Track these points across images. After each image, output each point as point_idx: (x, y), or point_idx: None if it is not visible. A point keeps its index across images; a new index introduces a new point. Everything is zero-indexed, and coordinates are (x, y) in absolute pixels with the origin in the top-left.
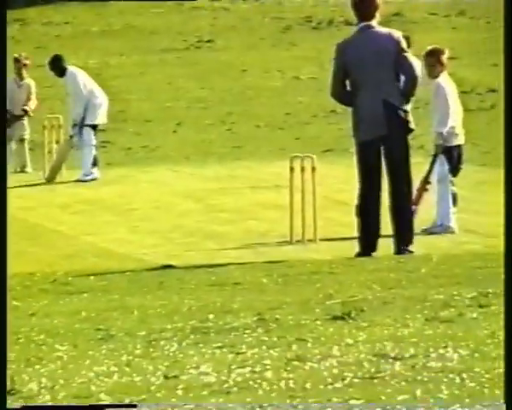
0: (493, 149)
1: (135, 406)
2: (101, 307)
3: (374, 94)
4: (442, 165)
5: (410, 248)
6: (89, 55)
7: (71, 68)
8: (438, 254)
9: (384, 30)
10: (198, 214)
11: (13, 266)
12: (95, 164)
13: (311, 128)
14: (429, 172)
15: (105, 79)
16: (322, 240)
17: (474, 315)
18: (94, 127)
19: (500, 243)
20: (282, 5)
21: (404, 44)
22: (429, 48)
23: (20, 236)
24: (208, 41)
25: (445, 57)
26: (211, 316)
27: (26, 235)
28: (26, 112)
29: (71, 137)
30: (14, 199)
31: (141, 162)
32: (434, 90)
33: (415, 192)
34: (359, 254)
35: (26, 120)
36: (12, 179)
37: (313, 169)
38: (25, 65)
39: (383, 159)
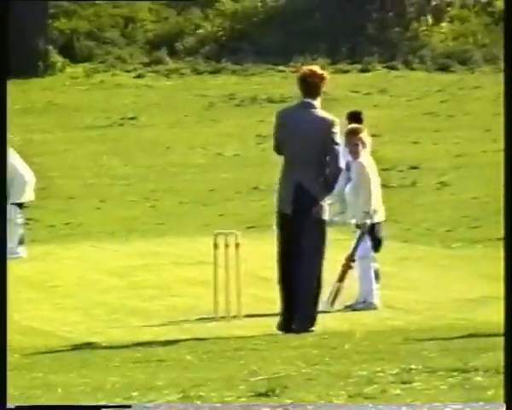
0: (414, 225)
1: (129, 406)
2: (24, 384)
3: (293, 171)
4: (364, 242)
5: (313, 328)
6: (12, 132)
7: None
8: (361, 330)
9: (321, 113)
10: (122, 291)
11: None
12: (21, 242)
13: (235, 204)
14: (355, 249)
15: (28, 156)
16: (246, 316)
17: (398, 391)
18: (20, 205)
19: (421, 320)
20: (206, 82)
21: (336, 134)
22: (349, 127)
23: None
24: (132, 118)
25: (364, 135)
26: (135, 393)
27: None
28: None
29: None
30: None
31: (64, 239)
32: (357, 170)
33: (339, 269)
34: (279, 327)
35: None
36: None
37: (237, 245)
38: None
39: (294, 235)
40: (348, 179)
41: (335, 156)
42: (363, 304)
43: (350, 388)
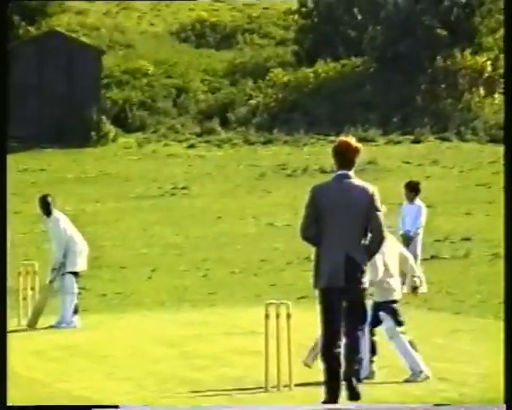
0: (467, 297)
1: (117, 406)
2: None
3: (338, 244)
4: (387, 321)
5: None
6: (65, 201)
7: (55, 212)
8: (413, 402)
9: (359, 182)
10: (173, 360)
11: None
12: (75, 312)
13: (286, 274)
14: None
15: (81, 226)
16: (297, 386)
17: None
18: (75, 274)
19: (474, 392)
20: (257, 153)
21: (377, 201)
22: None
23: None
24: (183, 188)
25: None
26: None
27: None
28: None
29: (50, 282)
30: None
31: (116, 308)
32: None
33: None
34: (325, 402)
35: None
36: None
37: (288, 316)
38: None
39: (341, 308)
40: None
41: (379, 225)
42: (413, 376)
43: None
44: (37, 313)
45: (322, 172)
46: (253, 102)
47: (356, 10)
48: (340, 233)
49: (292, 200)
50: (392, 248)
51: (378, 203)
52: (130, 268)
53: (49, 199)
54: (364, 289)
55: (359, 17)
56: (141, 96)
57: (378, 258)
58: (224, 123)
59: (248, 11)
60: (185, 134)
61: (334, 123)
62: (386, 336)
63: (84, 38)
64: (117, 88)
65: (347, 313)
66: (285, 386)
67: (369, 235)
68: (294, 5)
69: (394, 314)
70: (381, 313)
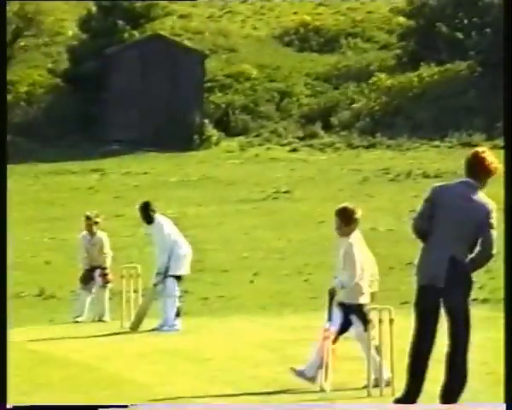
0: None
1: (126, 406)
2: None
3: (444, 246)
4: (357, 325)
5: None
6: (167, 205)
7: (158, 217)
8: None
9: (482, 195)
10: (274, 365)
11: None
12: (178, 315)
13: (389, 280)
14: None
15: (183, 229)
16: (399, 392)
17: None
18: (178, 277)
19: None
20: (360, 157)
21: (494, 219)
22: (340, 207)
23: (97, 386)
24: (286, 192)
25: (356, 217)
26: None
27: (102, 385)
28: (103, 273)
29: (154, 285)
30: (91, 349)
31: (217, 312)
32: (345, 248)
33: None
34: (399, 401)
35: (108, 268)
36: (90, 328)
37: (391, 321)
38: (96, 222)
39: (439, 309)
40: None
41: (490, 242)
42: (375, 381)
43: None
44: (140, 316)
45: (426, 176)
46: (356, 106)
47: (461, 14)
48: (449, 236)
49: (395, 205)
50: (364, 251)
51: (494, 222)
52: (232, 272)
53: (150, 207)
54: (469, 296)
55: (465, 21)
56: (244, 100)
57: (357, 260)
58: (327, 127)
59: (352, 15)
60: (288, 138)
61: (437, 127)
62: (355, 339)
63: (187, 42)
64: (220, 92)
65: (447, 320)
66: (387, 385)
67: (478, 249)
68: (400, 6)
69: (364, 318)
70: (352, 317)
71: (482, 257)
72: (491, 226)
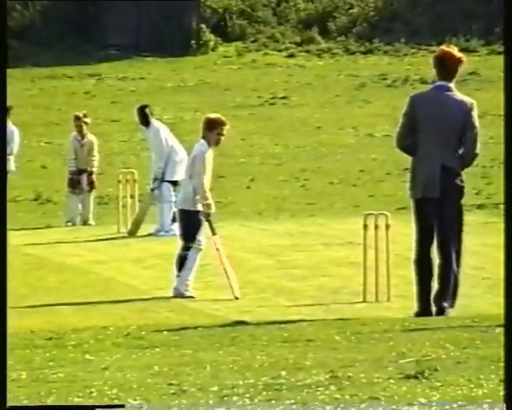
0: None
1: (123, 406)
2: (173, 361)
3: (433, 155)
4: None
5: (450, 308)
6: (163, 110)
7: (154, 122)
8: None
9: (458, 96)
10: (270, 270)
11: (86, 320)
12: (174, 220)
13: (385, 185)
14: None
15: (179, 135)
16: (395, 297)
17: None
18: (174, 183)
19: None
20: (357, 63)
21: (475, 116)
22: (208, 116)
23: (93, 289)
24: (283, 98)
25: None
26: (283, 373)
27: (98, 288)
28: (89, 179)
29: (151, 190)
30: (86, 252)
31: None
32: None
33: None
34: (417, 314)
35: (94, 173)
36: (86, 233)
37: (387, 227)
38: (85, 123)
39: (436, 219)
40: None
41: (474, 140)
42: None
43: (501, 372)
44: (137, 222)
45: (423, 82)
46: (353, 11)
47: None
48: (435, 144)
49: (391, 110)
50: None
51: (475, 118)
52: (229, 177)
53: (148, 110)
54: (460, 204)
55: None
56: (241, 5)
57: (209, 169)
58: (324, 32)
59: None
60: (285, 43)
61: (435, 33)
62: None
63: None
64: None
65: (441, 225)
66: (383, 298)
67: (462, 149)
68: None
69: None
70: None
71: (467, 156)
72: (472, 125)
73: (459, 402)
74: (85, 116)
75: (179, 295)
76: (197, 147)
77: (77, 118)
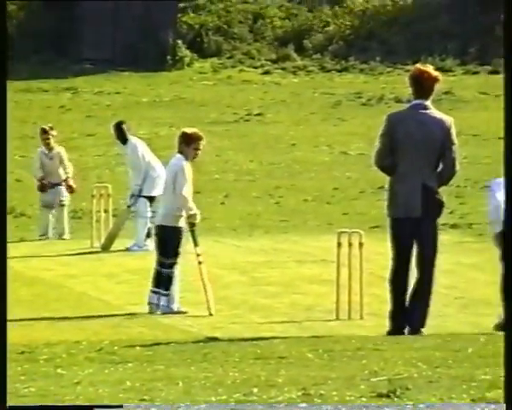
0: None
1: (121, 406)
2: (146, 377)
3: (413, 175)
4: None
5: (423, 330)
6: (139, 125)
7: (132, 139)
8: (485, 334)
9: (436, 114)
10: (243, 287)
11: (58, 334)
12: (148, 236)
13: (359, 204)
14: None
15: (155, 150)
16: (368, 316)
17: None
18: (150, 199)
19: None
20: (333, 81)
21: (453, 134)
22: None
23: (66, 303)
24: (258, 114)
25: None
26: (255, 390)
27: (71, 303)
28: (67, 184)
29: (128, 207)
30: (59, 267)
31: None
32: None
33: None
34: (390, 333)
35: (63, 187)
36: (59, 247)
37: (361, 245)
38: (52, 136)
39: (414, 239)
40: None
41: (454, 158)
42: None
43: (472, 391)
44: (111, 237)
45: (398, 101)
46: (329, 29)
47: None
48: (415, 164)
49: (366, 129)
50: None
51: (454, 136)
52: (204, 193)
53: (124, 126)
54: (437, 222)
55: None
56: (217, 21)
57: (189, 181)
58: (300, 50)
59: None
60: (261, 60)
61: (410, 52)
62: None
63: None
64: (193, 12)
65: (421, 244)
66: (355, 316)
67: (441, 167)
68: None
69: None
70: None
71: (446, 174)
72: (451, 143)
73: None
74: (52, 129)
75: (173, 312)
76: (175, 162)
77: (44, 131)
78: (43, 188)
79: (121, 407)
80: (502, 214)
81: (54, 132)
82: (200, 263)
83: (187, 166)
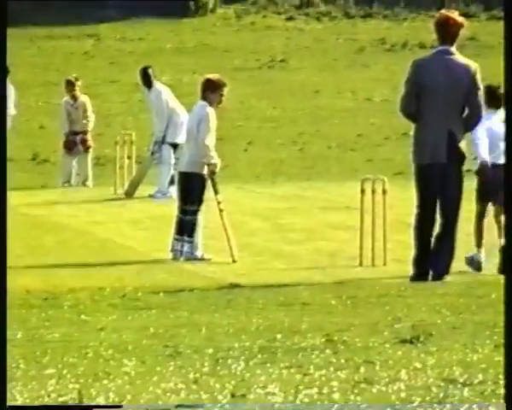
0: None
1: (120, 406)
2: (169, 323)
3: (439, 121)
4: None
5: (447, 276)
6: (162, 71)
7: (157, 85)
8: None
9: (462, 59)
10: (267, 234)
11: (82, 280)
12: (172, 183)
13: (383, 150)
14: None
15: (178, 96)
16: (391, 261)
17: None
18: (174, 146)
19: None
20: (356, 27)
21: (479, 80)
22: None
23: (90, 250)
24: (281, 61)
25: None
26: (279, 336)
27: (95, 249)
28: (83, 138)
29: (152, 153)
30: (82, 213)
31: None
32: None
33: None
34: (413, 278)
35: (89, 134)
36: (79, 194)
37: (384, 192)
38: (78, 86)
39: (439, 185)
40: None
41: (479, 103)
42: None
43: (496, 337)
44: (135, 183)
45: (422, 47)
46: None
47: None
48: (441, 110)
49: (390, 75)
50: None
51: (479, 82)
52: (227, 140)
53: (151, 71)
54: (462, 169)
55: None
56: None
57: (213, 129)
58: None
59: None
60: (284, 6)
61: None
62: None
63: None
64: None
65: (445, 191)
66: (379, 262)
67: (467, 112)
68: None
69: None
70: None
71: (471, 120)
72: (477, 88)
73: (457, 403)
74: (77, 79)
75: (197, 259)
76: (200, 108)
77: (69, 83)
78: (69, 145)
79: (121, 406)
80: (479, 146)
81: (79, 83)
82: (221, 211)
83: (211, 113)
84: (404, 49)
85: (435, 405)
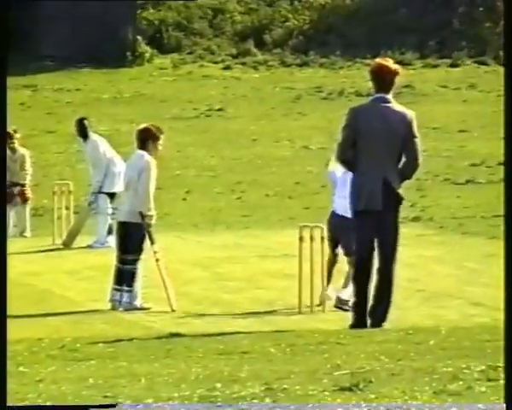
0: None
1: (114, 405)
2: (108, 374)
3: (375, 168)
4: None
5: (385, 323)
6: (99, 121)
7: (93, 136)
8: (446, 326)
9: (398, 107)
10: (206, 282)
11: (20, 332)
12: (110, 232)
13: (320, 198)
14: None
15: (115, 146)
16: (330, 310)
17: (483, 389)
18: (111, 195)
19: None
20: (293, 75)
21: (415, 127)
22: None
23: (28, 301)
24: (219, 109)
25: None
26: (218, 385)
27: (33, 300)
28: (22, 191)
29: (89, 203)
30: (21, 264)
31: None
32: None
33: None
34: (352, 326)
35: (27, 186)
36: (16, 245)
37: (322, 239)
38: (17, 139)
39: (375, 232)
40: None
41: (416, 151)
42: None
43: (434, 384)
44: (73, 234)
45: (358, 95)
46: (289, 23)
47: None
48: (377, 157)
49: (327, 123)
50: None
51: (415, 129)
52: (165, 189)
53: (86, 122)
54: (397, 216)
55: None
56: (177, 17)
57: (153, 180)
58: (260, 45)
59: None
60: (221, 55)
61: (370, 46)
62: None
63: None
64: (153, 8)
65: (382, 238)
66: (318, 310)
67: (404, 160)
68: None
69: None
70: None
71: (409, 168)
72: (413, 136)
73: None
74: (15, 132)
75: (136, 308)
76: (138, 158)
77: (8, 136)
78: (6, 197)
79: (115, 405)
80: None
81: (18, 135)
82: (157, 260)
83: (152, 162)
84: (341, 96)
85: (437, 405)
